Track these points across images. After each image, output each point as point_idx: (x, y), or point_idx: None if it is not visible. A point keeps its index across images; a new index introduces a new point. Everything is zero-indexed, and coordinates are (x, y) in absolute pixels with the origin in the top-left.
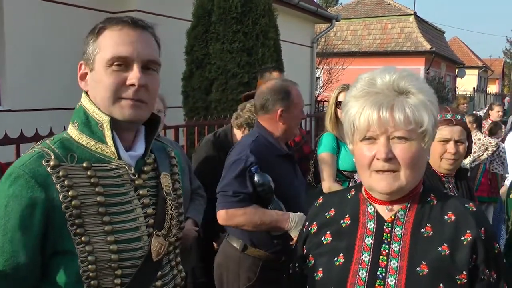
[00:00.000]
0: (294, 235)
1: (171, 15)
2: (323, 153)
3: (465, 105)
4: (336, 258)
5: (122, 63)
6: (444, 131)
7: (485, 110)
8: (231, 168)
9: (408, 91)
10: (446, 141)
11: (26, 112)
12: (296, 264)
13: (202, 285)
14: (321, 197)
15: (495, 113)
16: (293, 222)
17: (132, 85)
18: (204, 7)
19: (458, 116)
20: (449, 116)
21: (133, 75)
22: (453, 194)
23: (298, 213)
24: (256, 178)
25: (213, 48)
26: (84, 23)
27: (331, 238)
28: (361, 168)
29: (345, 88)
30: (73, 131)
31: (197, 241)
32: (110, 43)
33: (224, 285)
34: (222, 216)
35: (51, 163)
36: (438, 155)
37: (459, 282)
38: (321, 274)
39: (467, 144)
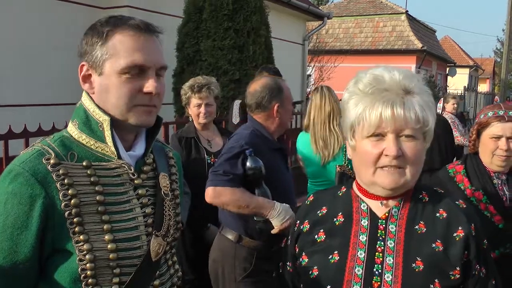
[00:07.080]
0: (276, 224)
1: (162, 11)
2: None
3: (454, 105)
4: (331, 256)
5: (137, 71)
6: (495, 128)
7: (440, 104)
8: (226, 152)
9: (413, 91)
10: (498, 137)
11: (14, 108)
12: (288, 263)
13: (190, 282)
14: (311, 194)
15: (451, 106)
16: (276, 211)
17: (149, 93)
18: (196, 4)
19: (511, 113)
20: (501, 112)
21: (150, 84)
22: (501, 190)
23: (285, 204)
24: (248, 162)
25: (204, 45)
26: (74, 18)
27: (324, 236)
28: (363, 164)
29: None
30: (73, 130)
31: (182, 238)
32: (124, 49)
33: (219, 279)
34: (210, 193)
35: (51, 161)
36: (490, 151)
37: (452, 277)
38: (317, 272)
39: None
